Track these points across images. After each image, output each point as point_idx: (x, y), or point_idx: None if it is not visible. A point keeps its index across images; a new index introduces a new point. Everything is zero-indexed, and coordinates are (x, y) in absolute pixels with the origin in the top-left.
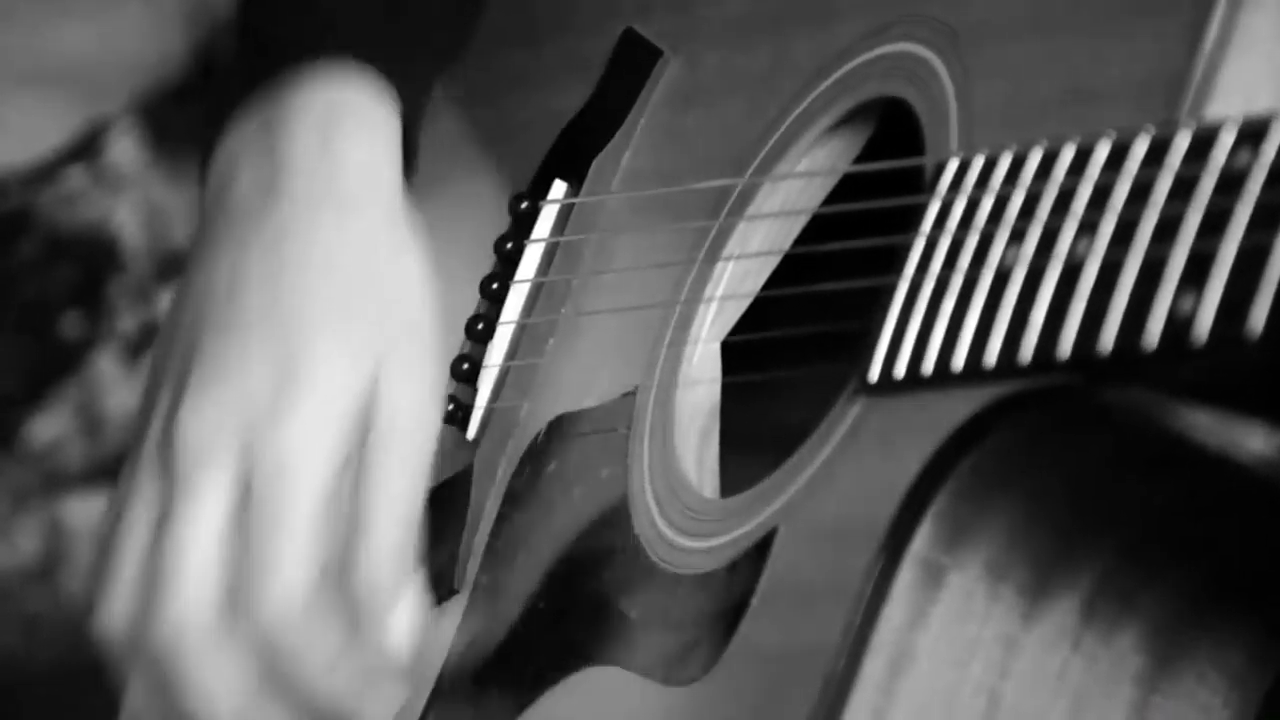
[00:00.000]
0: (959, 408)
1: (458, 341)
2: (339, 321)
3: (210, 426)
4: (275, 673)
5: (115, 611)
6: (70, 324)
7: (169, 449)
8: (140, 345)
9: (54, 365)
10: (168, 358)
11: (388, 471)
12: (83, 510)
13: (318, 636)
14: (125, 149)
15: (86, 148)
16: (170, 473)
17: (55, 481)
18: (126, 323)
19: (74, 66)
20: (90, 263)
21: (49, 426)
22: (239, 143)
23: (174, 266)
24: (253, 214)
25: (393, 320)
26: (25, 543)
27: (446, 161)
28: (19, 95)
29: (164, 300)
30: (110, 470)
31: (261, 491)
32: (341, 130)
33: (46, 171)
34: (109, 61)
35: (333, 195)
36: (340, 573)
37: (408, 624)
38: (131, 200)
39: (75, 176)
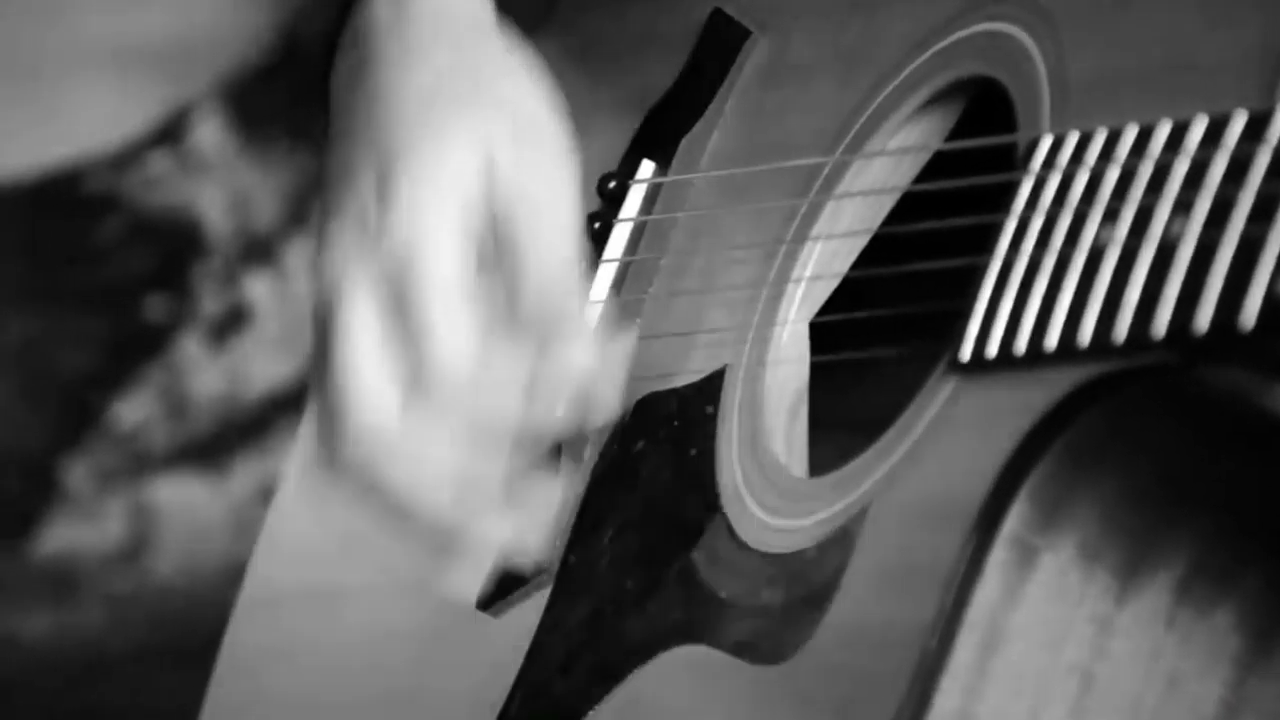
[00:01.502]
0: (1052, 388)
1: None
2: (440, 112)
3: (339, 258)
4: (478, 430)
5: (317, 447)
6: (154, 306)
7: (317, 301)
8: (224, 328)
9: (139, 347)
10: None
11: (528, 220)
12: (168, 492)
13: (502, 377)
14: (209, 132)
15: (170, 131)
16: (323, 321)
17: (141, 463)
18: (210, 306)
19: (157, 49)
20: (173, 246)
21: (135, 409)
22: (339, 58)
23: (259, 250)
24: (360, 67)
25: (504, 108)
26: (111, 524)
27: None
28: (102, 79)
29: (248, 284)
30: (195, 453)
31: (396, 284)
32: None
33: (130, 155)
34: (192, 44)
35: (425, 29)
36: (509, 312)
37: (585, 339)
38: (215, 184)
39: (159, 160)
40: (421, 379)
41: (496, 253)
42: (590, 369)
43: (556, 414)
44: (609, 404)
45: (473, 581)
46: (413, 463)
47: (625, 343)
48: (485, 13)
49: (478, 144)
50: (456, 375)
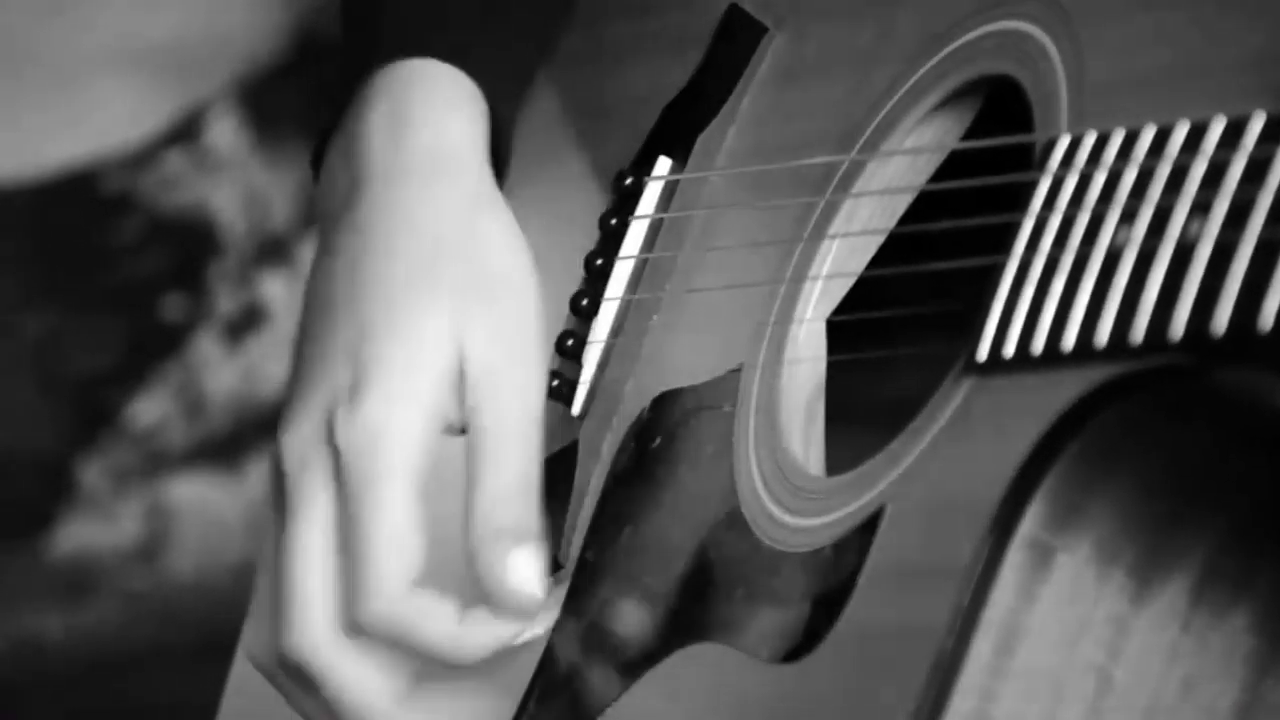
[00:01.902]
0: (1068, 388)
1: (562, 318)
2: (413, 292)
3: (303, 438)
4: (412, 659)
5: (254, 641)
6: (171, 306)
7: (279, 477)
8: (240, 327)
9: (155, 346)
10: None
11: (492, 425)
12: (184, 491)
13: (433, 611)
14: (224, 132)
15: (185, 131)
16: (284, 497)
17: (157, 462)
18: (226, 305)
19: (173, 49)
20: (189, 245)
21: (150, 407)
22: (332, 154)
23: (274, 249)
24: (341, 214)
25: (476, 280)
26: (127, 523)
27: (544, 140)
28: (118, 78)
29: (264, 283)
30: (211, 451)
31: (350, 479)
32: (415, 112)
33: (146, 155)
34: (208, 43)
35: (408, 171)
36: (463, 531)
37: (531, 567)
38: (230, 183)
39: (174, 160)
40: (353, 597)
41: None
42: (529, 591)
43: (481, 651)
44: (530, 632)
45: None
46: (346, 680)
47: (557, 596)
48: (478, 157)
49: (446, 321)
50: (389, 599)
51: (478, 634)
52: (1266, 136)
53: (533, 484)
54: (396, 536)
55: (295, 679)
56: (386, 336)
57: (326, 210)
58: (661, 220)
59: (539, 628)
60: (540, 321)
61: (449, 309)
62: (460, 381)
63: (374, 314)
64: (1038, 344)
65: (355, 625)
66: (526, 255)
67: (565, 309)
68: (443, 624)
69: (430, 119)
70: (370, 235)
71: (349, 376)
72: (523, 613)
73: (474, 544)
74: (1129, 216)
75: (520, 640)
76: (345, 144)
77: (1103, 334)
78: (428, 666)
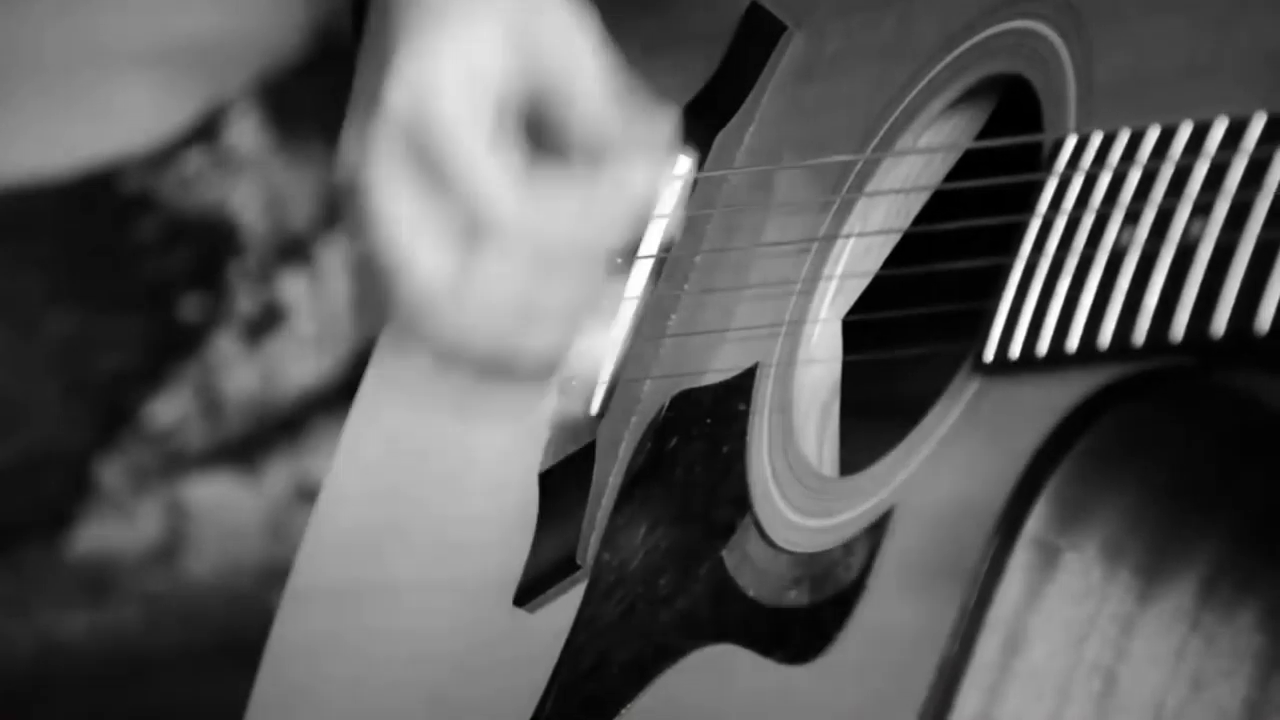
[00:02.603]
0: (1073, 388)
1: None
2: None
3: (354, 141)
4: (542, 259)
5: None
6: (190, 305)
7: (343, 193)
8: (259, 327)
9: (174, 345)
10: None
11: (568, 62)
12: (203, 491)
13: (555, 205)
14: (244, 131)
15: (206, 130)
16: (354, 217)
17: (176, 462)
18: (245, 304)
19: (193, 48)
20: (209, 245)
21: (169, 407)
22: None
23: (294, 249)
24: None
25: None
26: (147, 524)
27: None
28: (139, 78)
29: (283, 283)
30: (230, 451)
31: (414, 142)
32: None
33: (166, 154)
34: (229, 42)
35: None
36: (553, 143)
37: (647, 144)
38: (251, 183)
39: (194, 159)
40: (473, 223)
41: (533, 97)
42: (651, 183)
43: (617, 233)
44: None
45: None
46: (470, 306)
47: (567, 604)
48: None
49: (505, 25)
50: (505, 207)
51: (606, 212)
52: (1267, 137)
53: (620, 100)
54: (484, 151)
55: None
56: (426, 29)
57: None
58: (679, 219)
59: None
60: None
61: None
62: (521, 40)
63: (406, 19)
64: (1043, 345)
65: (482, 252)
66: None
67: None
68: (570, 207)
69: None
70: None
71: (384, 69)
72: (634, 195)
73: (577, 147)
74: (1132, 217)
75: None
76: None
77: (1106, 335)
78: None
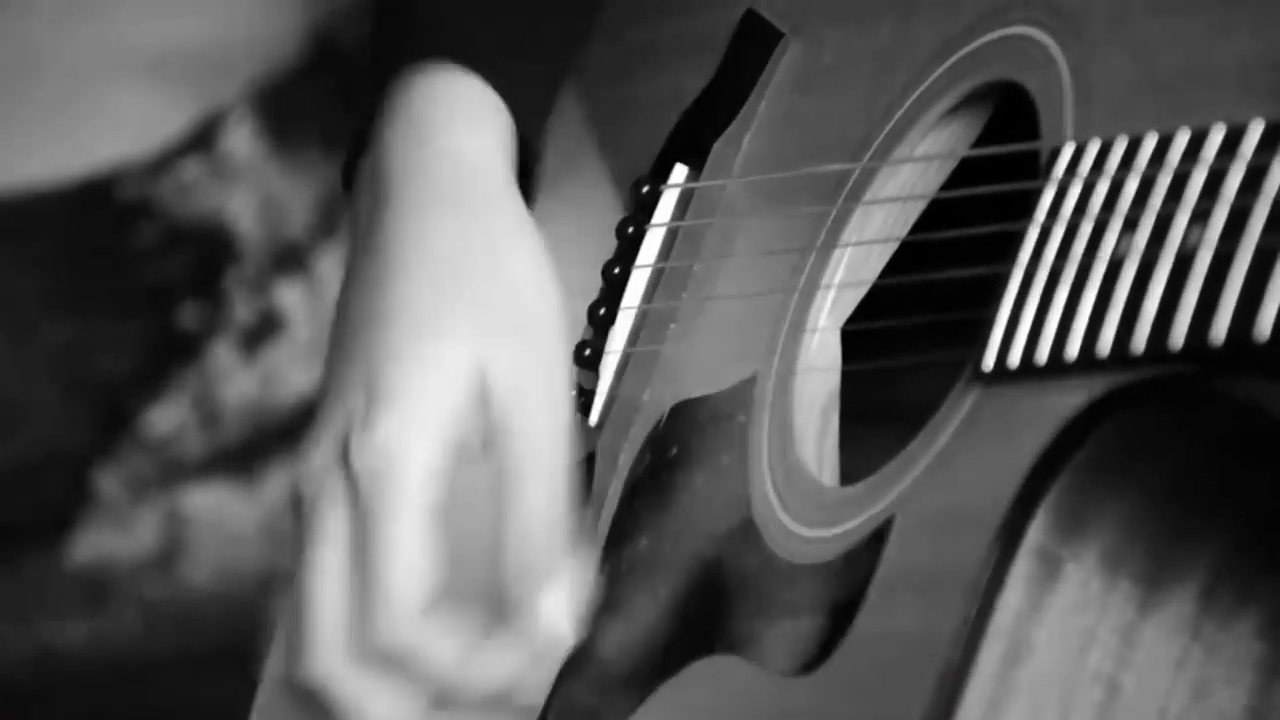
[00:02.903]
0: (1073, 397)
1: (579, 327)
2: (433, 317)
3: (321, 463)
4: (424, 686)
5: (273, 667)
6: (189, 313)
7: (299, 504)
8: (257, 335)
9: (173, 354)
10: None
11: (519, 454)
12: (201, 499)
13: (443, 638)
14: (241, 138)
15: (202, 138)
16: (303, 524)
17: (174, 471)
18: (243, 313)
19: (190, 55)
20: (207, 253)
21: (167, 416)
22: (360, 171)
23: (291, 257)
24: (364, 236)
25: (499, 307)
26: (144, 532)
27: (564, 148)
28: (135, 85)
29: (281, 291)
30: (227, 460)
31: (364, 503)
32: (437, 128)
33: (164, 162)
34: (225, 50)
35: (429, 190)
36: (492, 562)
37: (565, 602)
38: (247, 190)
39: (191, 167)
40: (365, 622)
41: (487, 461)
42: (562, 639)
43: (495, 683)
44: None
45: None
46: (361, 710)
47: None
48: (501, 171)
49: (466, 347)
50: (401, 623)
51: (490, 664)
52: (1265, 144)
53: (562, 514)
54: (408, 560)
55: (306, 705)
56: (403, 359)
57: (353, 231)
58: (678, 229)
59: (553, 664)
60: (566, 350)
61: (470, 335)
62: (481, 409)
63: (391, 338)
64: (1042, 354)
65: (367, 651)
66: (553, 281)
67: (583, 318)
68: (451, 652)
69: (453, 134)
70: (390, 258)
71: (364, 400)
72: (553, 649)
73: (504, 579)
74: (1130, 225)
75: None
76: (368, 162)
77: (1105, 344)
78: (442, 698)
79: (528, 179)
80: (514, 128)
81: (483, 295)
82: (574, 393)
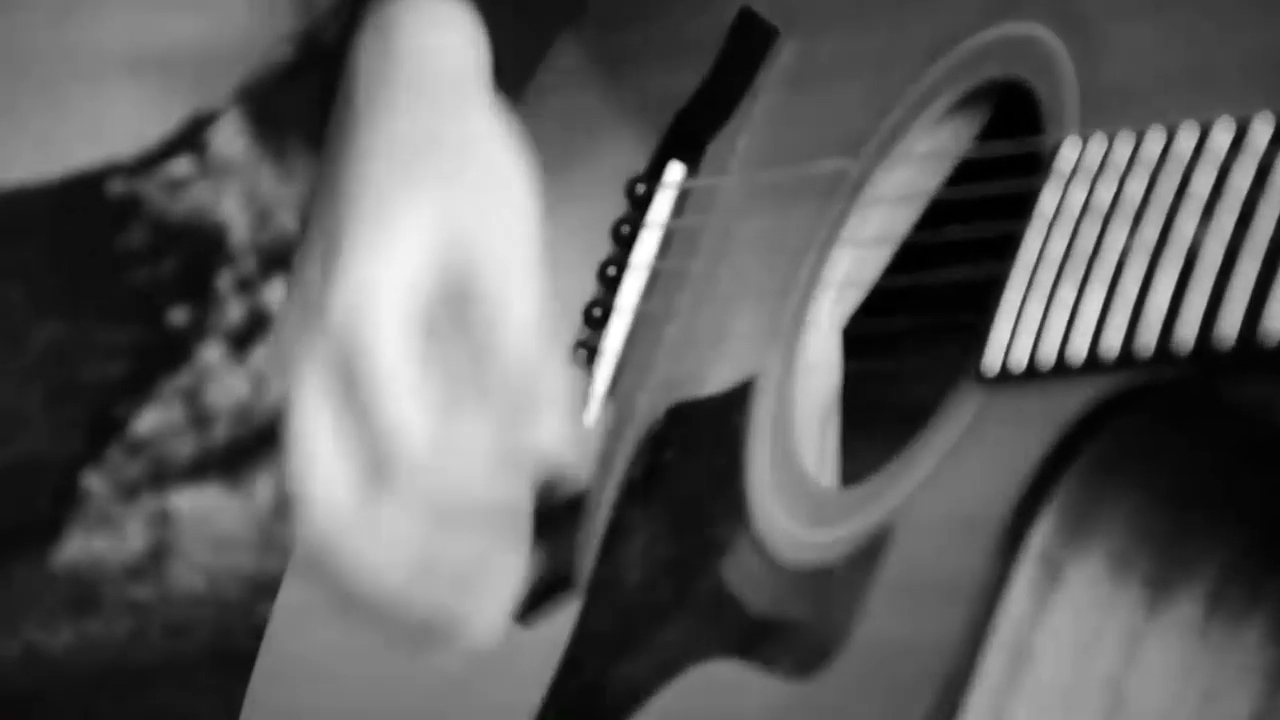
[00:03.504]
0: (1078, 400)
1: (575, 327)
2: (394, 184)
3: (288, 336)
4: (440, 510)
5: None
6: (178, 314)
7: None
8: (247, 337)
9: (162, 355)
10: None
11: (490, 304)
12: (190, 501)
13: (465, 451)
14: (231, 139)
15: (192, 138)
16: (284, 401)
17: (163, 473)
18: (233, 314)
19: (179, 55)
20: (197, 253)
21: (157, 418)
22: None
23: (281, 258)
24: (333, 132)
25: (463, 171)
26: (133, 534)
27: (558, 146)
28: (124, 85)
29: (270, 292)
30: (217, 462)
31: (343, 365)
32: (405, 30)
33: (153, 162)
34: (215, 50)
35: (396, 79)
36: (472, 382)
37: (556, 428)
38: (238, 191)
39: (182, 167)
40: (376, 460)
41: (460, 321)
42: (562, 440)
43: (524, 488)
44: (578, 478)
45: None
46: (371, 548)
47: (563, 621)
48: (471, 67)
49: (434, 214)
50: (411, 455)
51: (511, 482)
52: (1274, 139)
53: (539, 357)
54: (402, 388)
55: (318, 577)
56: (366, 220)
57: (326, 158)
58: (674, 228)
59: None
60: (532, 207)
61: (433, 198)
62: (448, 252)
63: (354, 209)
64: (1046, 355)
65: (381, 500)
66: (514, 146)
67: (578, 317)
68: (474, 471)
69: (420, 34)
70: (357, 139)
71: (328, 263)
72: (548, 465)
73: (500, 410)
74: (1135, 223)
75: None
76: (345, 81)
77: (1110, 346)
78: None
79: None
80: (488, 40)
81: (445, 166)
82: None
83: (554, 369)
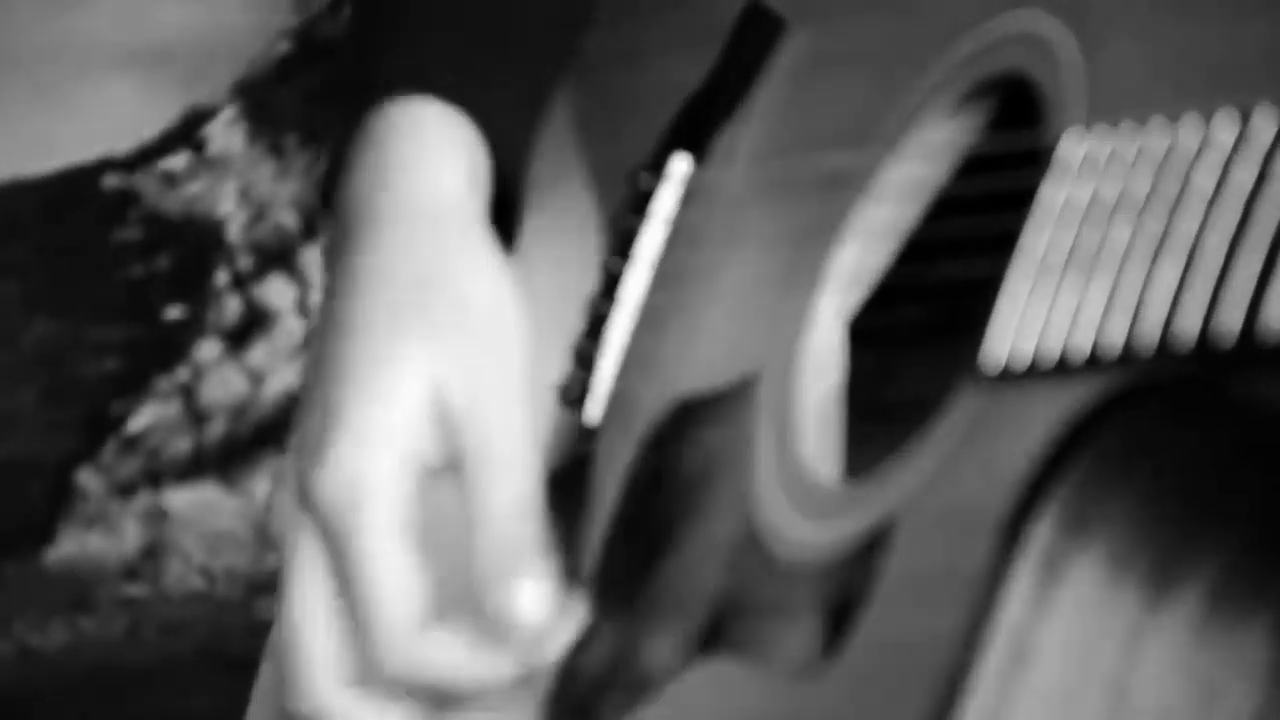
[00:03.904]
0: (1078, 395)
1: (575, 322)
2: (381, 335)
3: (290, 501)
4: (430, 699)
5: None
6: (173, 311)
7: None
8: (244, 333)
9: (157, 352)
10: None
11: (480, 457)
12: (186, 499)
13: (447, 649)
14: (227, 135)
15: (189, 134)
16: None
17: (159, 471)
18: (229, 311)
19: (176, 51)
20: (193, 249)
21: (153, 415)
22: (334, 197)
23: (277, 254)
24: (328, 272)
25: (451, 318)
26: (129, 532)
27: (554, 144)
28: (120, 80)
29: (267, 288)
30: (213, 459)
31: (336, 537)
32: (404, 160)
33: (149, 157)
34: (212, 45)
35: (391, 217)
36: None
37: (534, 599)
38: (234, 188)
39: (177, 163)
40: (363, 655)
41: (453, 484)
42: (539, 619)
43: (502, 680)
44: (548, 660)
45: None
46: None
47: (576, 614)
48: (464, 207)
49: (422, 367)
50: (401, 648)
51: (496, 664)
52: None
53: (530, 509)
54: (393, 582)
55: None
56: (359, 389)
57: (327, 262)
58: (678, 221)
59: (550, 654)
60: (523, 352)
61: (421, 349)
62: (441, 422)
63: (345, 361)
64: (1047, 351)
65: (369, 680)
66: (506, 288)
67: (578, 315)
68: (459, 660)
69: (419, 166)
70: (346, 283)
71: (320, 435)
72: (533, 644)
73: (479, 581)
74: (1136, 217)
75: (536, 667)
76: (339, 192)
77: (1112, 341)
78: (442, 707)
79: (509, 211)
80: (490, 162)
81: (438, 319)
82: (566, 374)
83: (534, 549)
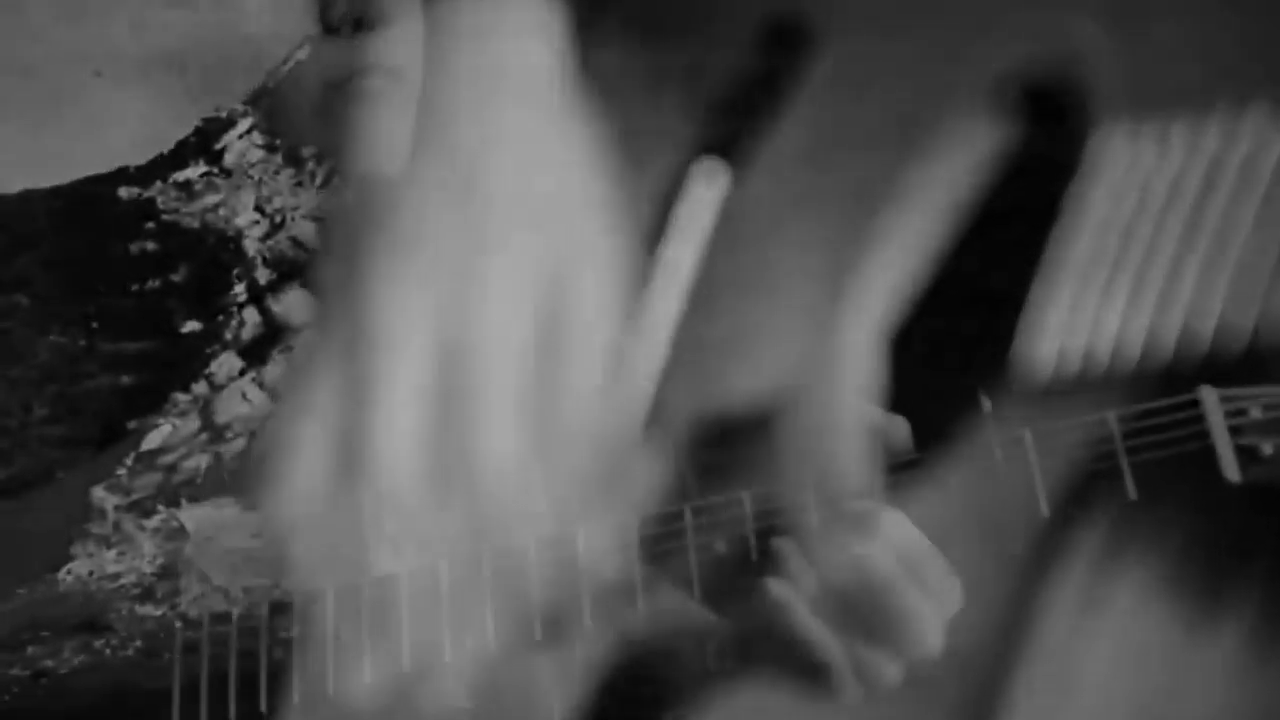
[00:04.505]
0: (1107, 410)
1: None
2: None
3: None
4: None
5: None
6: (191, 325)
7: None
8: (259, 349)
9: (174, 367)
10: None
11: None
12: (204, 516)
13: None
14: (244, 144)
15: (205, 144)
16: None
17: (176, 487)
18: (247, 324)
19: (193, 61)
20: (210, 262)
21: (170, 430)
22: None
23: (294, 267)
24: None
25: (559, 211)
26: (147, 549)
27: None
28: (138, 90)
29: (283, 300)
30: (230, 475)
31: (450, 380)
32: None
33: (166, 167)
34: (229, 54)
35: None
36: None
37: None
38: (251, 198)
39: (195, 174)
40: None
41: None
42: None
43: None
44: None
45: None
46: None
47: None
48: (543, 72)
49: (533, 257)
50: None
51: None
52: None
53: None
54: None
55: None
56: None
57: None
58: (708, 230)
59: None
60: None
61: (535, 247)
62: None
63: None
64: (1070, 367)
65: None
66: (601, 179)
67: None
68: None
69: (494, 38)
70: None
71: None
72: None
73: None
74: (1159, 222)
75: None
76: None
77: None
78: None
79: None
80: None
81: (548, 201)
82: None
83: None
